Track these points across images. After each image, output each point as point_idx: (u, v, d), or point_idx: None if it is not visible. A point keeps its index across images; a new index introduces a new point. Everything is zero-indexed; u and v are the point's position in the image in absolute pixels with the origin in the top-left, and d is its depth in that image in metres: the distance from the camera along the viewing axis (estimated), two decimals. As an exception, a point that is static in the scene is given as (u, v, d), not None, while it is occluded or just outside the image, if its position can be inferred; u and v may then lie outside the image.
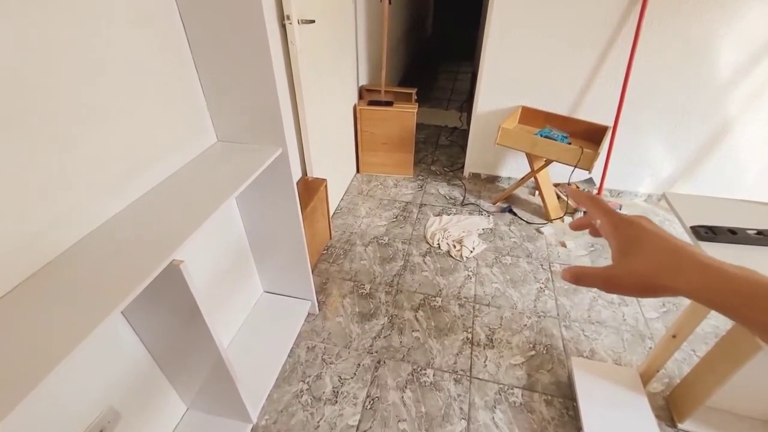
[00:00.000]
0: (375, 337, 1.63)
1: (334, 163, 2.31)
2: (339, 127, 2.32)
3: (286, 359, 1.53)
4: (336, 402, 1.40)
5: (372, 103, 2.51)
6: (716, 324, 1.68)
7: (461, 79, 4.97)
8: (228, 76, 1.09)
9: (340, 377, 1.48)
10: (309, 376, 1.48)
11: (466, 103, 4.07)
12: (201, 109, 1.15)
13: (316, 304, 1.71)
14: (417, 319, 1.71)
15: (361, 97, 2.64)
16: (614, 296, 1.82)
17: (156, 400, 1.14)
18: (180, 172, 1.07)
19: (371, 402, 1.40)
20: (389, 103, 2.49)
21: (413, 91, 2.68)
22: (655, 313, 1.74)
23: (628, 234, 0.33)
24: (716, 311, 0.28)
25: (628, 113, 2.16)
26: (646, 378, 1.38)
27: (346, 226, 2.28)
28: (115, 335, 0.96)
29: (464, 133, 3.40)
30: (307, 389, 1.44)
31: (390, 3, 2.32)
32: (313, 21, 1.63)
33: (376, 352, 1.58)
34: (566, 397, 1.41)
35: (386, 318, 1.72)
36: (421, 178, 2.76)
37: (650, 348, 1.59)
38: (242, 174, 1.06)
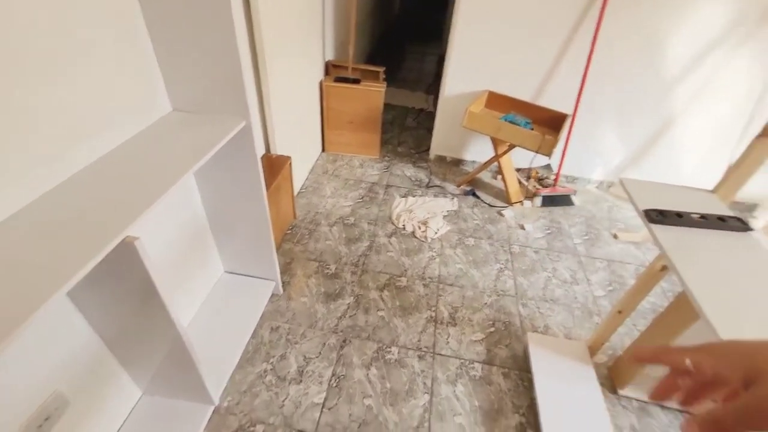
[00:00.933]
0: (340, 317, 1.63)
1: (298, 140, 2.24)
2: (303, 102, 2.24)
3: (249, 340, 1.49)
4: (301, 381, 1.39)
5: (339, 79, 2.43)
6: (654, 301, 1.84)
7: (428, 61, 4.95)
8: (184, 38, 1.00)
9: (305, 357, 1.47)
10: (273, 357, 1.46)
11: (434, 86, 4.07)
12: (153, 74, 1.05)
13: (281, 285, 1.68)
14: (382, 299, 1.73)
15: (327, 72, 2.55)
16: (569, 275, 1.94)
17: (108, 386, 1.07)
18: (131, 142, 0.99)
19: (337, 380, 1.41)
20: (357, 81, 2.42)
21: (381, 69, 2.63)
22: (602, 292, 1.87)
23: (742, 350, 0.28)
24: None
25: (586, 103, 2.26)
26: (593, 350, 1.49)
27: (311, 205, 2.24)
28: (61, 318, 0.88)
29: (431, 115, 3.40)
30: (271, 369, 1.42)
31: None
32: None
33: (342, 331, 1.58)
34: (522, 369, 1.50)
35: (352, 298, 1.72)
36: (387, 159, 2.75)
37: (597, 323, 1.71)
38: (203, 146, 0.99)
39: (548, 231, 2.24)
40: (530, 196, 2.45)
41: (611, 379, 1.47)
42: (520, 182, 2.51)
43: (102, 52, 0.88)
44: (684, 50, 2.07)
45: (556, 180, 2.50)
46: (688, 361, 0.30)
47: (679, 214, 0.88)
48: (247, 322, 1.52)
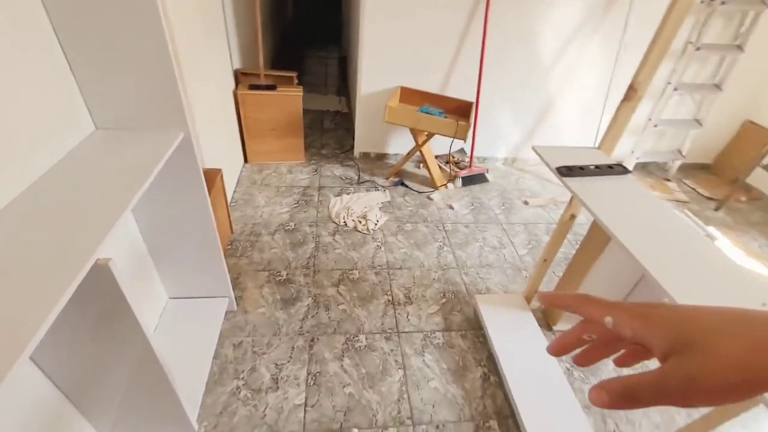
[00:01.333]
0: (303, 319, 1.65)
1: (221, 153, 2.16)
2: (220, 113, 2.16)
3: (212, 362, 1.43)
4: (278, 388, 1.39)
5: (253, 87, 2.39)
6: (565, 251, 2.18)
7: (331, 64, 5.03)
8: (104, 46, 0.93)
9: (276, 364, 1.46)
10: (242, 372, 1.43)
11: (343, 87, 4.17)
12: (69, 90, 0.96)
13: (234, 300, 1.63)
14: (340, 294, 1.78)
15: (237, 81, 2.48)
16: (497, 242, 2.20)
17: (68, 440, 0.96)
18: (53, 172, 0.87)
19: (313, 378, 1.43)
20: (272, 87, 2.41)
21: (294, 74, 2.65)
22: (525, 250, 2.17)
23: (670, 317, 0.25)
24: None
25: (485, 90, 2.56)
26: (528, 299, 1.74)
27: (246, 217, 2.17)
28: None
29: (346, 117, 3.51)
30: (243, 384, 1.39)
31: (260, -19, 2.23)
32: (187, -5, 1.48)
33: (307, 332, 1.60)
34: (475, 328, 1.69)
35: (310, 298, 1.74)
36: (313, 162, 2.77)
37: (526, 276, 1.99)
38: (140, 167, 0.93)
39: (472, 207, 2.50)
40: (451, 178, 2.69)
41: (546, 319, 1.74)
42: (441, 168, 2.74)
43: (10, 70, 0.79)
44: (553, 41, 2.48)
45: (470, 162, 2.79)
46: (608, 319, 0.27)
47: (581, 167, 1.11)
48: (206, 345, 1.45)
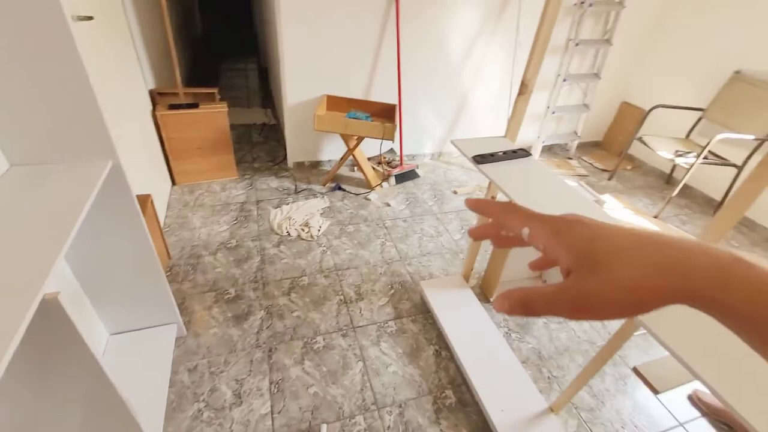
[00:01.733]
0: (258, 332, 1.66)
1: (146, 178, 2.07)
2: (140, 138, 2.07)
3: (167, 391, 1.39)
4: (242, 402, 1.40)
5: (173, 107, 2.32)
6: (493, 230, 2.42)
7: (251, 77, 4.95)
8: (11, 75, 0.90)
9: (236, 380, 1.47)
10: (202, 394, 1.41)
11: (267, 99, 4.14)
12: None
13: (183, 326, 1.59)
14: (292, 301, 1.82)
15: (154, 102, 2.38)
16: (433, 231, 2.38)
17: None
18: None
19: (276, 386, 1.46)
20: (194, 105, 2.35)
21: (215, 90, 2.60)
22: (459, 235, 2.37)
23: (581, 233, 0.26)
24: (741, 331, 0.21)
25: (406, 92, 2.74)
26: (466, 278, 1.92)
27: (183, 241, 2.11)
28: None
29: (275, 128, 3.50)
30: (205, 406, 1.38)
31: (166, -2, 2.17)
32: (92, 18, 1.42)
33: (264, 343, 1.62)
34: (424, 312, 1.83)
35: (263, 311, 1.75)
36: (247, 176, 2.74)
37: (463, 258, 2.18)
38: (69, 202, 0.90)
39: (408, 202, 2.66)
40: (385, 178, 2.83)
41: (483, 293, 1.94)
42: (374, 168, 2.87)
43: None
44: (459, 42, 2.73)
45: (401, 160, 2.96)
46: (525, 231, 0.28)
47: (491, 154, 1.29)
48: (159, 375, 1.41)
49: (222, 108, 2.40)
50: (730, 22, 2.64)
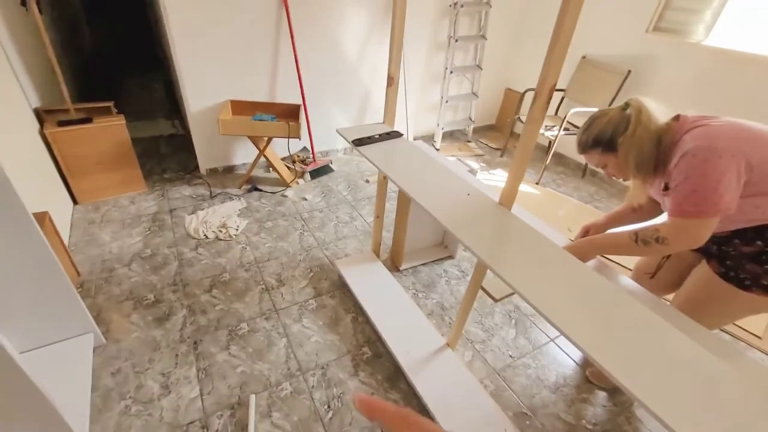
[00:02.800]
0: (181, 328, 1.73)
1: (41, 199, 2.00)
2: (28, 157, 1.99)
3: (90, 396, 1.42)
4: (170, 392, 1.48)
5: (63, 123, 2.24)
6: (391, 205, 2.69)
7: (156, 89, 4.76)
8: None
9: (162, 373, 1.54)
10: (128, 392, 1.46)
11: (173, 110, 4.04)
12: None
13: (101, 335, 1.61)
14: (214, 297, 1.90)
15: (41, 121, 2.28)
16: (348, 217, 2.58)
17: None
18: None
19: (204, 372, 1.56)
20: (87, 120, 2.30)
21: (110, 104, 2.55)
22: (371, 218, 2.60)
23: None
24: None
25: (309, 91, 2.90)
26: (376, 252, 2.15)
27: (92, 258, 2.07)
28: None
29: (183, 138, 3.46)
30: (132, 402, 1.43)
31: (41, 12, 2.10)
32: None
33: (189, 337, 1.69)
34: (342, 287, 2.02)
35: (185, 309, 1.82)
36: (158, 188, 2.72)
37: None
38: None
39: (323, 195, 2.83)
40: (300, 175, 2.98)
41: (393, 263, 2.18)
42: (288, 167, 3.00)
43: None
44: (354, 44, 2.96)
45: (313, 157, 3.12)
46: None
47: (369, 138, 1.51)
48: (79, 383, 1.43)
49: (119, 120, 2.37)
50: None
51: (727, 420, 0.69)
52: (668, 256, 1.38)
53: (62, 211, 2.26)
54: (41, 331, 1.47)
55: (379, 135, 1.55)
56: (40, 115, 2.29)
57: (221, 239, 2.29)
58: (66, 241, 2.14)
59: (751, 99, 2.41)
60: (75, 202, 2.46)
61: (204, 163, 2.91)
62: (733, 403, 0.72)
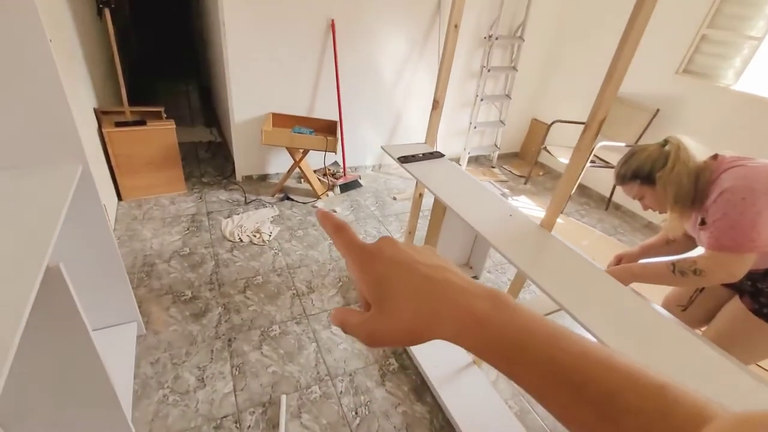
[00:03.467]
0: (217, 325, 1.80)
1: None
2: (91, 152, 2.14)
3: (132, 383, 1.49)
4: (205, 385, 1.53)
5: (120, 124, 2.40)
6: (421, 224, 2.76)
7: (193, 96, 5.01)
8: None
9: (198, 367, 1.60)
10: (166, 381, 1.53)
11: (211, 118, 4.24)
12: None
13: (143, 324, 1.69)
14: (248, 298, 1.98)
15: (99, 120, 2.44)
16: (376, 231, 2.65)
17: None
18: None
19: (237, 369, 1.62)
20: (142, 122, 2.45)
21: (161, 108, 2.71)
22: (398, 234, 2.67)
23: (377, 274, 0.29)
24: (495, 365, 0.26)
25: (346, 110, 3.04)
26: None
27: (135, 252, 2.18)
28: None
29: (220, 146, 3.62)
30: (170, 392, 1.49)
31: (114, 23, 2.29)
32: (50, 40, 1.54)
33: (224, 334, 1.76)
34: (369, 298, 2.07)
35: (220, 307, 1.89)
36: (196, 190, 2.85)
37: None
38: (47, 206, 0.98)
39: (352, 208, 2.92)
40: (331, 188, 3.08)
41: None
42: (320, 180, 3.11)
43: None
44: (391, 66, 3.11)
45: (344, 171, 3.23)
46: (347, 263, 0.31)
47: (413, 156, 1.60)
48: (123, 369, 1.50)
49: (170, 125, 2.52)
50: (604, 53, 3.30)
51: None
52: (702, 290, 1.41)
53: (108, 206, 2.39)
54: (95, 315, 1.56)
55: (423, 154, 1.63)
56: (98, 116, 2.46)
57: (255, 243, 2.38)
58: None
59: (781, 144, 2.45)
60: (120, 198, 2.59)
61: (240, 170, 3.04)
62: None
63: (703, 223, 1.16)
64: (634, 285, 1.19)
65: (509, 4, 3.21)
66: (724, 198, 1.08)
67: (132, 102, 3.26)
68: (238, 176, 3.05)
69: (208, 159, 3.35)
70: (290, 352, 1.72)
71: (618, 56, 0.96)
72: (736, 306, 1.27)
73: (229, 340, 1.74)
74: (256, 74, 2.68)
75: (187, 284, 2.00)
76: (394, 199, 3.12)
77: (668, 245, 1.40)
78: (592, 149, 2.98)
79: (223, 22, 2.45)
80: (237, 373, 1.60)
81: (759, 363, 1.91)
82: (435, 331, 0.27)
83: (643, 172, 1.24)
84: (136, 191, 2.62)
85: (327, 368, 1.67)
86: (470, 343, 0.26)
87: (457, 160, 3.89)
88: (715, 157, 1.18)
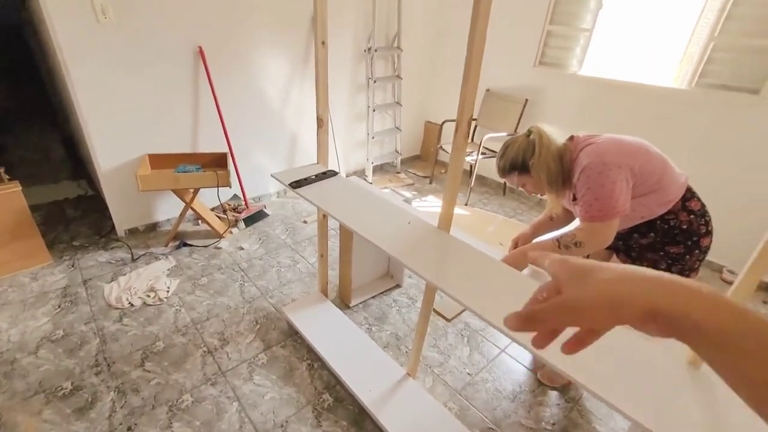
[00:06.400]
0: (110, 416, 1.51)
1: None
2: None
3: None
4: (102, 495, 1.26)
5: (-61, 197, 1.92)
6: (333, 243, 2.69)
7: (54, 148, 4.31)
8: None
9: (91, 474, 1.31)
10: (47, 507, 1.22)
11: (78, 170, 3.67)
12: None
13: (3, 443, 1.34)
14: (148, 371, 1.70)
15: None
16: (290, 261, 2.50)
17: None
18: None
19: (143, 461, 1.36)
20: (-28, 191, 2.00)
21: (0, 169, 2.25)
22: (314, 258, 2.56)
23: (579, 264, 0.32)
24: (706, 353, 0.25)
25: (235, 139, 2.85)
26: (324, 292, 2.10)
27: (-15, 351, 1.74)
28: None
29: (93, 199, 3.14)
30: None
31: None
32: None
33: (121, 424, 1.48)
34: (292, 335, 1.93)
35: (112, 392, 1.59)
36: (66, 258, 2.41)
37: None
38: None
39: (261, 241, 2.73)
40: (234, 224, 2.85)
41: (342, 300, 2.15)
42: (220, 217, 2.86)
43: None
44: (276, 89, 3.00)
45: (246, 204, 3.02)
46: (546, 264, 0.36)
47: (306, 179, 1.53)
48: None
49: (13, 187, 2.09)
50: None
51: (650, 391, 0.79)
52: (588, 256, 1.56)
53: (-60, 301, 1.89)
54: None
55: (315, 175, 1.57)
56: None
57: (150, 305, 2.07)
58: (-53, 337, 1.79)
59: (621, 117, 2.89)
60: (-43, 287, 2.08)
61: (121, 224, 2.65)
62: (652, 375, 0.83)
63: (574, 198, 1.28)
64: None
65: (381, 16, 3.33)
66: (584, 175, 1.20)
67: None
68: (120, 231, 2.66)
69: (79, 217, 2.88)
70: (208, 420, 1.51)
71: (469, 61, 1.01)
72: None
73: (129, 428, 1.46)
74: (119, 114, 2.37)
75: (65, 375, 1.66)
76: (305, 222, 3.01)
77: (552, 221, 1.53)
78: (480, 142, 3.22)
79: (64, 62, 2.12)
80: (143, 466, 1.35)
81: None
82: (668, 301, 0.26)
83: (517, 163, 1.33)
84: (-21, 275, 2.12)
85: (254, 427, 1.50)
86: (719, 328, 0.26)
87: (363, 171, 3.91)
88: (571, 138, 1.32)
